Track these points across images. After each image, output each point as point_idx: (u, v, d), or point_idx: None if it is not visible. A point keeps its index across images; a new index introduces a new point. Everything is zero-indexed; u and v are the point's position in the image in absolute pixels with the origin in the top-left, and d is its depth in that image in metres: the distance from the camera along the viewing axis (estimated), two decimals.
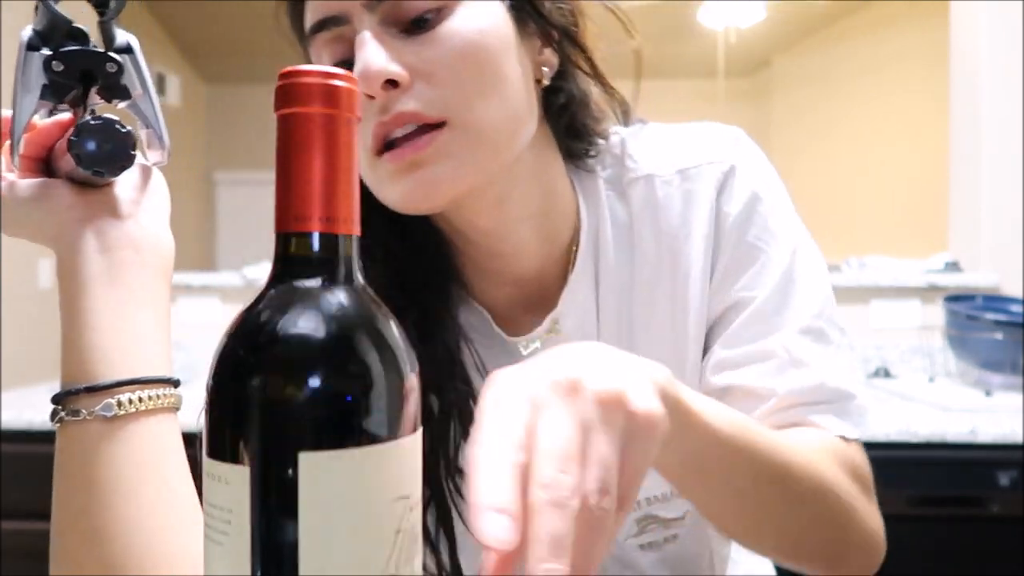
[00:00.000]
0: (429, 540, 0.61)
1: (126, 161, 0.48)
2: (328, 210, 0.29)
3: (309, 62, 0.59)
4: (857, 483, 0.57)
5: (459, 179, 0.53)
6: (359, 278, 0.31)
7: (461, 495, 0.62)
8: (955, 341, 1.96)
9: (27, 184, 0.49)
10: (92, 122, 0.46)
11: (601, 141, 0.65)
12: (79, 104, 0.50)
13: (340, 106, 0.29)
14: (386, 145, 0.53)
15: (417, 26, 0.52)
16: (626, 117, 0.66)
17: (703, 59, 5.21)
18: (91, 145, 0.46)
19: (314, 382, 0.27)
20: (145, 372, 0.46)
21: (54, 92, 0.48)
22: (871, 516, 0.58)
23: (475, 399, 0.62)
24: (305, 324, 0.28)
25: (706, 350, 0.65)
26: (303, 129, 0.29)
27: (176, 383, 0.48)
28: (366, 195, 0.60)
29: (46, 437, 2.03)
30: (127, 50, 0.50)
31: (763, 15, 4.45)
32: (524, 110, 0.56)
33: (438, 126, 0.52)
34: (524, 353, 0.64)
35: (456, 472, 0.61)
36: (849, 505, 0.55)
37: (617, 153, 0.65)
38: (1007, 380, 1.89)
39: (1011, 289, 2.15)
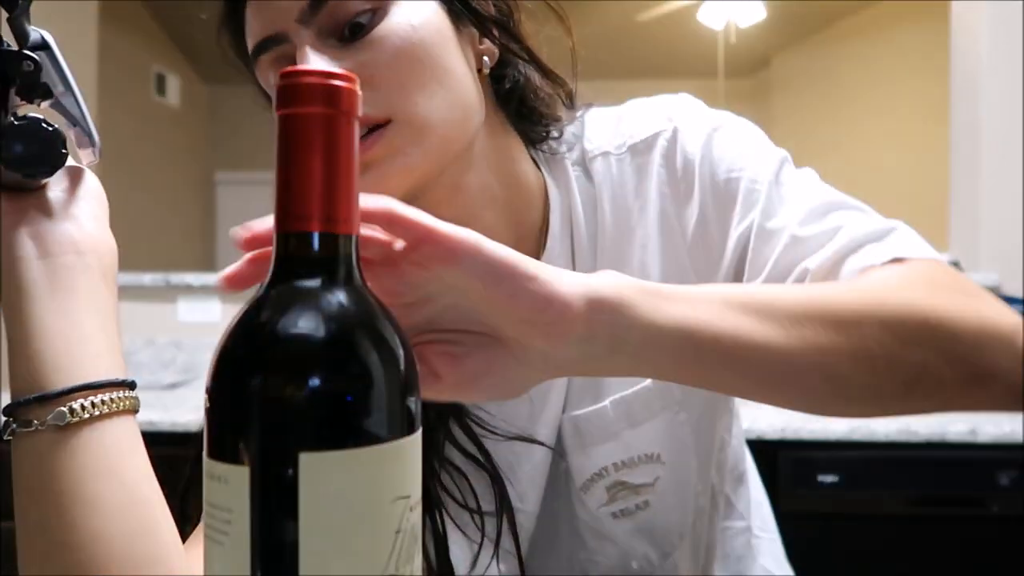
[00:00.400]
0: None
1: (57, 160, 0.46)
2: (328, 210, 0.29)
3: (257, 85, 0.61)
4: (939, 289, 0.48)
5: (408, 171, 0.54)
6: (359, 278, 0.31)
7: (449, 494, 0.62)
8: None
9: None
10: (16, 123, 0.45)
11: (558, 122, 0.66)
12: None
13: (340, 106, 0.29)
14: None
15: (354, 33, 0.53)
16: (571, 100, 0.67)
17: (703, 59, 5.21)
18: (18, 147, 0.44)
19: (314, 382, 0.27)
20: (96, 376, 0.45)
21: None
22: (975, 314, 0.47)
23: None
24: (305, 324, 0.28)
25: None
26: (303, 129, 0.29)
27: (131, 385, 0.47)
28: None
29: None
30: (43, 46, 0.48)
31: (763, 15, 4.45)
32: (469, 98, 0.57)
33: (385, 125, 0.53)
34: None
35: (442, 470, 0.62)
36: (920, 313, 0.45)
37: (578, 134, 0.67)
38: None
39: (1011, 289, 2.15)
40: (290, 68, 0.29)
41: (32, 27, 0.48)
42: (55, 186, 0.49)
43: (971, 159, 2.29)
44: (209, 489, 0.28)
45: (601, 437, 0.64)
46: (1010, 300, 2.06)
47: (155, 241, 4.56)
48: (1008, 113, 2.19)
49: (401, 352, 0.30)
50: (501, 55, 0.61)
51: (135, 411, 0.47)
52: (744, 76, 5.69)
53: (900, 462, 1.57)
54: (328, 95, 0.29)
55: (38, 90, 0.48)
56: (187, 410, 1.68)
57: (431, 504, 0.61)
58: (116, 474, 0.45)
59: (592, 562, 0.67)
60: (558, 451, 0.65)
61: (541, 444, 0.64)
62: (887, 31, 4.72)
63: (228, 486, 0.27)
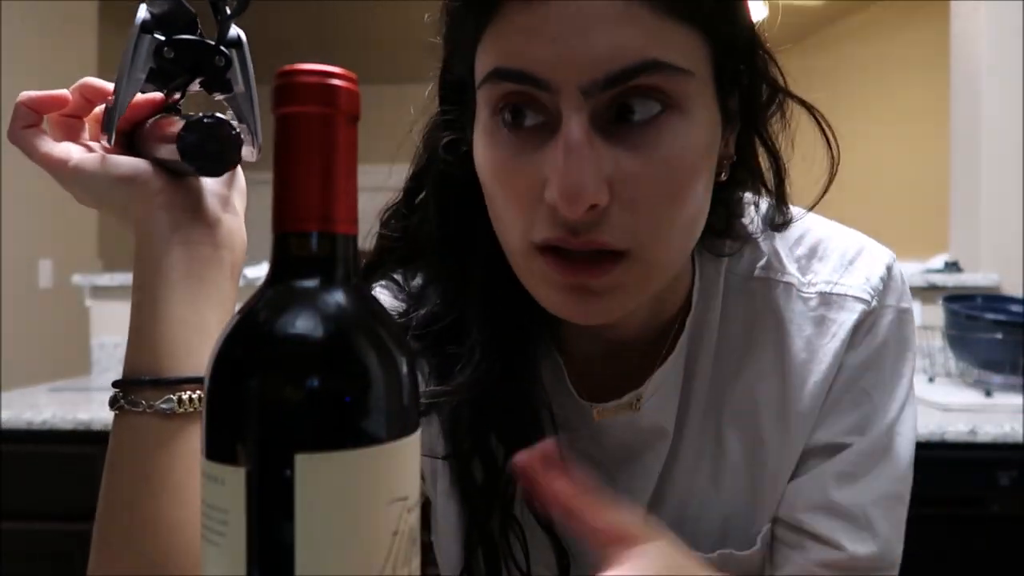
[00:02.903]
0: None
1: (232, 162, 0.48)
2: (326, 210, 0.29)
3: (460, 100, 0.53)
4: None
5: (626, 306, 0.49)
6: (357, 278, 0.31)
7: (513, 559, 0.58)
8: (955, 341, 1.96)
9: (121, 161, 0.49)
10: (206, 120, 0.47)
11: (739, 227, 0.59)
12: (179, 91, 0.51)
13: (338, 106, 0.29)
14: (551, 247, 0.47)
15: (623, 117, 0.45)
16: (776, 227, 0.60)
17: None
18: (200, 142, 0.47)
19: (311, 383, 0.27)
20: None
21: (159, 77, 0.49)
22: None
23: None
24: (302, 324, 0.28)
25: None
26: (301, 129, 0.29)
27: None
28: (472, 232, 0.55)
29: (46, 437, 2.03)
30: (236, 44, 0.51)
31: (763, 15, 4.46)
32: (701, 220, 0.51)
33: (619, 253, 0.46)
34: (596, 419, 0.60)
35: (510, 527, 0.58)
36: None
37: (762, 247, 0.60)
38: (1007, 380, 1.89)
39: (1011, 289, 2.15)
40: (286, 67, 0.29)
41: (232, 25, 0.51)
42: (210, 177, 0.51)
43: (971, 159, 2.29)
44: (205, 489, 0.28)
45: None
46: (1010, 300, 2.06)
47: None
48: (1008, 113, 2.19)
49: (399, 353, 0.30)
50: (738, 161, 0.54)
51: None
52: None
53: None
54: (325, 94, 0.29)
55: (221, 84, 0.50)
56: None
57: (493, 568, 0.58)
58: None
59: None
60: None
61: None
62: (887, 31, 4.72)
63: (224, 487, 0.27)
